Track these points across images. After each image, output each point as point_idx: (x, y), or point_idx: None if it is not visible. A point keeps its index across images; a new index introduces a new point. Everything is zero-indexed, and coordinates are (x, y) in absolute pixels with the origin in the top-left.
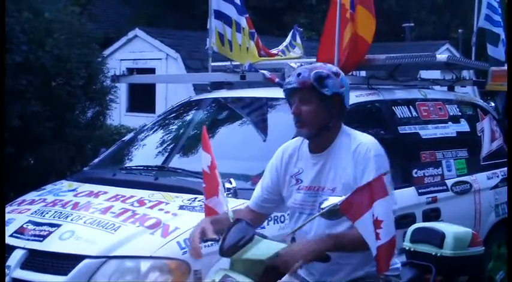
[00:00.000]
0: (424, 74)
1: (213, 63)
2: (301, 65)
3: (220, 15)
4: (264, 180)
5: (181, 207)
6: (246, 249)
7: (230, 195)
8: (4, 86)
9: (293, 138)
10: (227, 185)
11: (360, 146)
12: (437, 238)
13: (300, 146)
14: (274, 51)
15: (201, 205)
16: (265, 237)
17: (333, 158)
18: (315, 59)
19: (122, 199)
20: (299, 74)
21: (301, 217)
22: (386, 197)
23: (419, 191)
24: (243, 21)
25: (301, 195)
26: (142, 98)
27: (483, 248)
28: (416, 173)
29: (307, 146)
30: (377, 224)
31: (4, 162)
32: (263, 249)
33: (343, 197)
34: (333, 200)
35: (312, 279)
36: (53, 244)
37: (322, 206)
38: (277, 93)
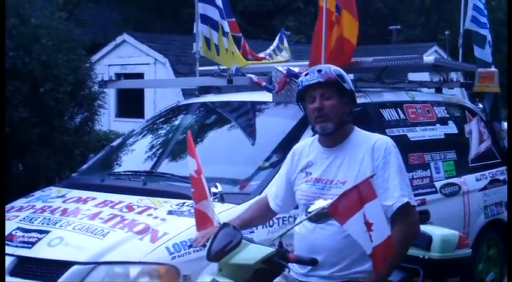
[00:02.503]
0: (412, 76)
1: (200, 68)
2: (288, 68)
3: (206, 20)
4: (278, 183)
5: (169, 213)
6: (233, 253)
7: (216, 200)
8: (5, 93)
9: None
10: (213, 190)
11: (379, 141)
12: (425, 241)
13: (312, 143)
14: (261, 55)
15: (189, 210)
16: (252, 241)
17: (345, 152)
18: (302, 62)
19: (110, 205)
20: (320, 70)
21: (306, 208)
22: (376, 200)
23: None
24: (226, 26)
25: (308, 186)
26: (131, 103)
27: (470, 250)
28: None
29: (319, 141)
30: (368, 226)
31: (4, 165)
32: (250, 253)
33: (330, 201)
34: (320, 204)
35: (304, 270)
36: (41, 251)
37: (309, 209)
38: (265, 97)
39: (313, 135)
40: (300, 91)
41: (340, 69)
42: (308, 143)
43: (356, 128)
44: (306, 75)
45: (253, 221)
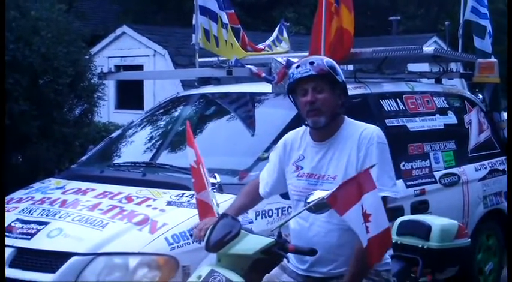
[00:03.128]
0: (412, 66)
1: (200, 59)
2: (288, 59)
3: (205, 11)
4: (270, 170)
5: (169, 203)
6: (232, 244)
7: (215, 191)
8: (4, 87)
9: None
10: (212, 180)
11: (365, 131)
12: (424, 230)
13: (303, 134)
14: (260, 46)
15: (188, 201)
16: (251, 232)
17: (335, 146)
18: (301, 54)
19: (109, 196)
20: (312, 63)
21: (299, 204)
22: (374, 190)
23: (407, 183)
24: (225, 17)
25: (301, 182)
26: (130, 95)
27: (469, 239)
28: (404, 165)
29: (310, 135)
30: (365, 217)
31: (4, 161)
32: (249, 244)
33: (330, 191)
34: (319, 194)
35: (304, 266)
36: (41, 242)
37: (309, 200)
38: (265, 88)
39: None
40: (291, 84)
41: (333, 61)
42: (299, 134)
43: (346, 118)
44: (297, 67)
45: (245, 207)
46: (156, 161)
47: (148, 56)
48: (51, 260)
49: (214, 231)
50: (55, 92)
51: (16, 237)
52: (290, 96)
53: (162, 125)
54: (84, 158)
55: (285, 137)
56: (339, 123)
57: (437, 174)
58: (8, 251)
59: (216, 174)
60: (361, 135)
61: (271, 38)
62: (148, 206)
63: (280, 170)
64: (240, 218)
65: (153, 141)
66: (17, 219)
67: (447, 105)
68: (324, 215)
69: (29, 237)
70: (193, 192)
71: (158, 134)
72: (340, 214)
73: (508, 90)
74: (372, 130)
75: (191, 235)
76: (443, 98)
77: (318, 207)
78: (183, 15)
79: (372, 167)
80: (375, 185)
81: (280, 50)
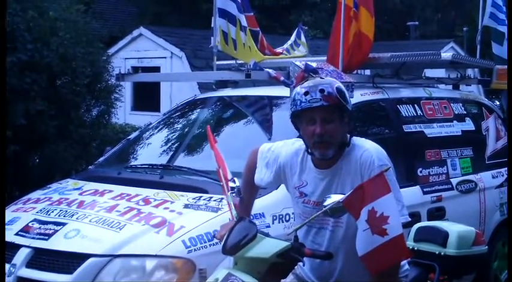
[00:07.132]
0: (429, 72)
1: (218, 62)
2: (306, 63)
3: (224, 14)
4: (264, 170)
5: (186, 206)
6: (249, 247)
7: (234, 194)
8: (6, 85)
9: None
10: (231, 184)
11: (363, 155)
12: (441, 237)
13: (303, 158)
14: (278, 50)
15: (206, 204)
16: (267, 235)
17: (339, 174)
18: (319, 58)
19: (127, 198)
20: (322, 90)
21: (311, 230)
22: (390, 194)
23: (424, 189)
24: (244, 20)
25: (308, 209)
26: (147, 97)
27: (486, 247)
28: (421, 171)
29: (311, 160)
30: (383, 219)
31: (7, 162)
32: (266, 247)
33: (345, 195)
34: (335, 198)
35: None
36: (58, 243)
37: (325, 203)
38: (283, 91)
39: (306, 150)
40: (298, 111)
41: (342, 86)
42: (298, 158)
43: (352, 139)
44: (305, 94)
45: (253, 200)
46: (174, 163)
47: (165, 57)
48: (68, 261)
49: (231, 234)
50: (73, 93)
51: (33, 238)
52: (293, 121)
53: (179, 128)
54: (101, 159)
55: (280, 153)
56: (343, 150)
57: (454, 181)
58: (25, 252)
59: (235, 178)
60: (361, 160)
61: (289, 42)
62: (166, 208)
63: (276, 177)
64: (257, 222)
65: (171, 143)
66: (35, 220)
67: (465, 112)
68: (341, 240)
69: (47, 237)
70: (210, 195)
71: (175, 136)
72: (355, 218)
73: (508, 90)
74: (370, 153)
75: (214, 236)
76: (460, 104)
77: (334, 211)
78: (198, 18)
79: (386, 170)
80: (390, 189)
81: (298, 54)
